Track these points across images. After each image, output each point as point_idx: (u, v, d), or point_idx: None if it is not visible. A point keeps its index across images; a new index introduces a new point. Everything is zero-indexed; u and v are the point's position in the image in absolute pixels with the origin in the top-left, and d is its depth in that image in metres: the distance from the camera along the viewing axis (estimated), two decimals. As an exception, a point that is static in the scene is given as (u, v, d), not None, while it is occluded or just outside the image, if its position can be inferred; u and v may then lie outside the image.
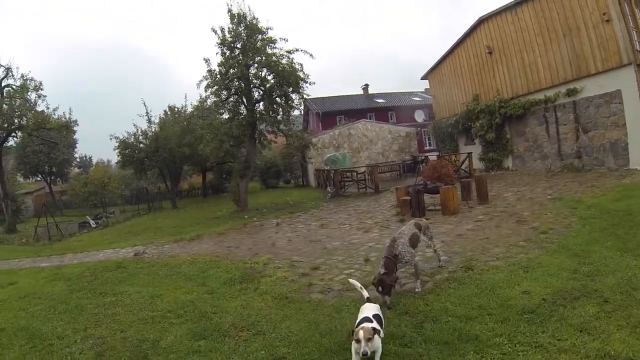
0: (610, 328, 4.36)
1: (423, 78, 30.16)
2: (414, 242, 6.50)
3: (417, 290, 6.13)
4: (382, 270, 5.84)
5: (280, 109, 21.00)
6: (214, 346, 5.14)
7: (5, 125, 26.50)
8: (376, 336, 4.04)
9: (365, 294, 5.09)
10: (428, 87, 31.85)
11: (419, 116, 32.31)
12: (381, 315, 4.57)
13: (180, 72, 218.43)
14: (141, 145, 32.98)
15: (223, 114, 22.40)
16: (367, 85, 46.18)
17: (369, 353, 3.89)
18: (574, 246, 7.28)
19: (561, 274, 6.03)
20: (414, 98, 43.92)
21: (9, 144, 31.64)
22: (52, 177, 48.93)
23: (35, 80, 27.16)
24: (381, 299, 5.65)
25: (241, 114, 21.30)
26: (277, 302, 6.33)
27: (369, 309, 4.58)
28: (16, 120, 26.87)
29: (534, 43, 19.27)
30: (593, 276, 5.79)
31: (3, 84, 26.79)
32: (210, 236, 13.90)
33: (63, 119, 29.78)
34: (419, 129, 34.43)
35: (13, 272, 11.29)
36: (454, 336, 4.61)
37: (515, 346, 4.28)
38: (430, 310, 5.46)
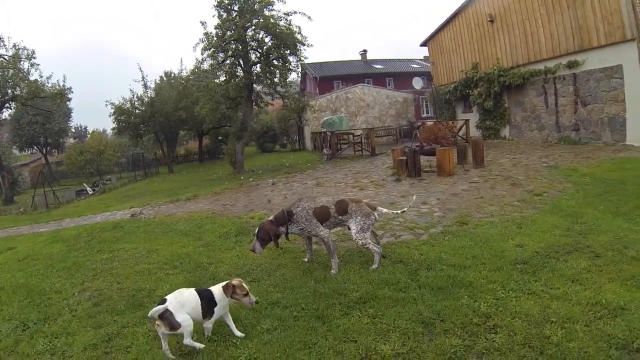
0: (601, 280, 4.44)
1: (422, 44, 29.71)
2: (320, 214, 5.63)
3: (332, 272, 5.44)
4: (271, 218, 5.62)
5: (278, 71, 20.80)
6: (209, 293, 5.23)
7: (-1, 96, 26.12)
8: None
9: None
10: (427, 54, 31.52)
11: (417, 83, 31.99)
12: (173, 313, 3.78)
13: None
14: (137, 110, 32.91)
15: (220, 76, 22.27)
16: (365, 50, 45.84)
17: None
18: (567, 208, 7.37)
19: (554, 230, 6.12)
20: (413, 65, 43.57)
21: (3, 117, 31.50)
22: (48, 148, 48.69)
23: (27, 49, 26.69)
24: (251, 243, 5.52)
25: (238, 76, 21.12)
26: (272, 252, 6.34)
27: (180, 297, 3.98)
28: (9, 91, 26.68)
29: (537, 12, 18.98)
30: (585, 234, 5.88)
31: (-5, 55, 26.14)
32: (206, 196, 13.94)
33: (57, 86, 29.28)
34: (416, 95, 34.28)
35: (11, 239, 11.35)
36: (448, 282, 4.69)
37: (508, 292, 4.35)
38: (424, 259, 5.53)
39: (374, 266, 5.42)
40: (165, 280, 5.86)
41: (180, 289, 4.13)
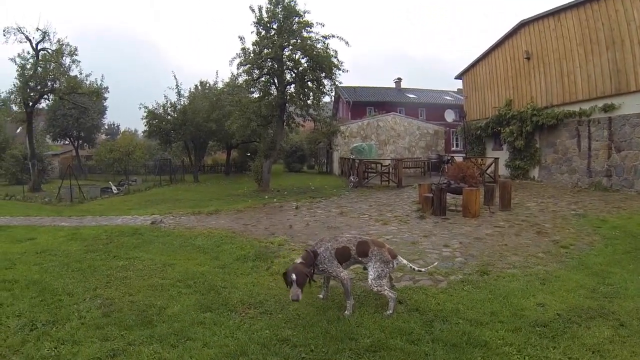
0: (624, 353, 4.20)
1: (457, 77, 29.76)
2: (342, 255, 5.55)
3: (346, 313, 5.31)
4: (300, 260, 5.42)
5: (311, 94, 20.94)
6: (219, 320, 5.14)
7: (39, 87, 27.55)
8: None
9: None
10: (461, 87, 31.44)
11: (449, 116, 31.89)
12: None
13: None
14: (169, 117, 33.65)
15: (253, 92, 22.49)
16: (399, 79, 45.96)
17: None
18: (594, 265, 7.10)
19: (579, 290, 5.87)
20: (446, 97, 43.53)
21: (40, 106, 32.71)
22: (80, 142, 50.01)
23: (70, 46, 28.13)
24: (292, 292, 5.06)
25: (271, 94, 21.35)
26: (288, 284, 6.32)
27: None
28: (49, 83, 27.94)
29: (575, 52, 18.79)
30: (611, 298, 5.62)
31: (39, 47, 27.54)
32: (228, 212, 14.02)
33: (95, 85, 30.38)
34: (447, 128, 34.13)
35: (33, 229, 11.57)
36: (462, 339, 4.52)
37: (524, 358, 4.16)
38: (441, 310, 5.36)
39: (388, 312, 5.28)
40: (177, 299, 5.82)
41: None
